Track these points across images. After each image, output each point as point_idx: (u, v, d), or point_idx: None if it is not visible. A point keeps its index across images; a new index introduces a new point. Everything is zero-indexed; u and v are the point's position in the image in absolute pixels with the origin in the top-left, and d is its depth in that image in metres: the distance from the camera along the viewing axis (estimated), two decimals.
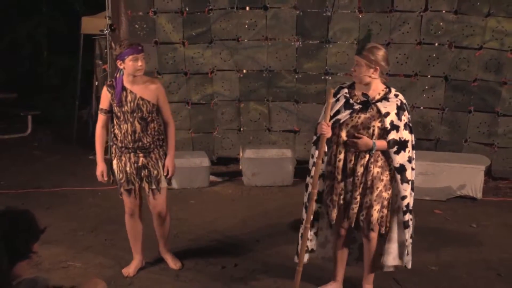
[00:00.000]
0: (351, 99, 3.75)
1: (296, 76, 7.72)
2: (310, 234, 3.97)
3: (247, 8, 7.72)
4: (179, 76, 7.73)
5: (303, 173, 7.27)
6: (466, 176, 6.47)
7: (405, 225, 3.77)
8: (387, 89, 3.72)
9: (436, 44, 7.43)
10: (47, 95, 12.74)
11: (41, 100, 12.29)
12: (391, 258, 3.89)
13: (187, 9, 7.62)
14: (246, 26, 7.66)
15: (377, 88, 3.71)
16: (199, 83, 7.78)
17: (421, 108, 7.52)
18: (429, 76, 7.50)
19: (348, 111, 3.71)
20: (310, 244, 4.02)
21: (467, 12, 7.27)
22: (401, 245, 3.84)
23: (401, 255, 3.87)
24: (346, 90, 3.81)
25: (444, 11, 7.33)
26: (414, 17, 7.36)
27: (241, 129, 7.90)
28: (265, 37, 7.66)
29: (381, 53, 3.64)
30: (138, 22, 7.71)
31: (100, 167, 4.22)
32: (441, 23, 7.32)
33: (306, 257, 3.98)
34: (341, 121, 3.72)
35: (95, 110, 9.92)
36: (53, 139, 10.06)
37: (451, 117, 7.48)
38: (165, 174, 4.22)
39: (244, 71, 7.83)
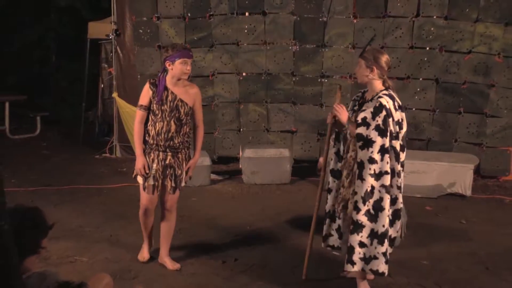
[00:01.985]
0: (357, 102, 3.87)
1: (294, 79, 7.73)
2: (333, 228, 3.98)
3: (247, 14, 7.72)
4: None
5: (301, 172, 7.37)
6: (456, 174, 6.48)
7: (354, 224, 3.65)
8: (381, 91, 3.72)
9: (428, 48, 7.44)
10: (55, 97, 12.74)
11: (49, 102, 12.29)
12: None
13: (189, 14, 7.63)
14: (246, 31, 7.66)
15: (375, 89, 3.75)
16: (200, 85, 7.69)
17: (413, 109, 7.52)
18: (420, 79, 7.51)
19: (351, 112, 3.86)
20: (331, 240, 4.01)
21: (457, 18, 7.28)
22: (349, 247, 3.69)
23: (348, 259, 3.69)
24: (359, 94, 3.94)
25: (435, 17, 7.34)
26: (407, 23, 7.37)
27: (241, 129, 7.91)
28: (264, 42, 7.67)
29: (380, 55, 3.73)
30: (142, 27, 7.72)
31: (141, 161, 4.17)
32: (432, 28, 7.33)
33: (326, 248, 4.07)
34: None
35: (101, 112, 9.94)
36: (61, 139, 10.05)
37: (442, 118, 7.49)
38: (185, 170, 4.26)
39: (244, 74, 7.83)
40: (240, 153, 7.39)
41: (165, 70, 4.15)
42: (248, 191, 6.78)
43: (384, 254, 3.67)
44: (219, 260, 4.54)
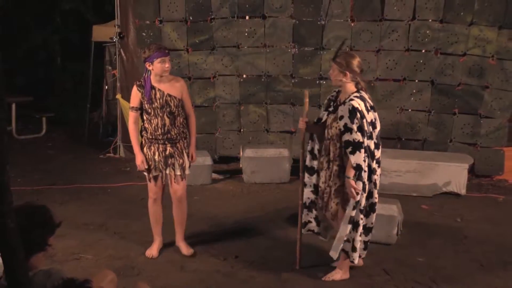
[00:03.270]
0: (332, 102, 3.99)
1: (293, 81, 7.72)
2: (311, 217, 4.19)
3: (247, 17, 7.71)
4: (184, 80, 7.72)
5: (299, 171, 7.33)
6: (451, 173, 6.48)
7: (350, 220, 3.83)
8: (353, 94, 3.84)
9: (423, 51, 7.43)
10: (60, 98, 12.73)
11: (55, 103, 12.27)
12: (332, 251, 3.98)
13: (191, 18, 7.62)
14: (246, 34, 7.66)
15: (348, 91, 3.88)
16: (202, 87, 7.78)
17: (409, 110, 7.51)
18: (416, 81, 7.50)
19: (325, 112, 4.00)
20: (311, 226, 4.22)
21: (452, 21, 7.27)
22: (338, 239, 3.89)
23: (334, 248, 3.92)
24: (334, 94, 4.04)
25: (430, 20, 7.33)
26: (403, 26, 7.36)
27: (241, 130, 7.90)
28: (264, 44, 7.66)
29: (352, 60, 3.85)
30: (145, 30, 7.71)
31: (140, 157, 4.34)
32: (427, 31, 7.33)
33: (306, 232, 4.26)
34: (322, 121, 4.00)
35: (105, 113, 9.93)
36: (66, 140, 10.05)
37: (437, 118, 7.49)
38: (190, 159, 4.42)
39: (244, 76, 7.83)
40: (241, 153, 7.38)
41: (148, 70, 4.24)
42: (248, 190, 6.77)
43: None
44: (220, 257, 4.55)
